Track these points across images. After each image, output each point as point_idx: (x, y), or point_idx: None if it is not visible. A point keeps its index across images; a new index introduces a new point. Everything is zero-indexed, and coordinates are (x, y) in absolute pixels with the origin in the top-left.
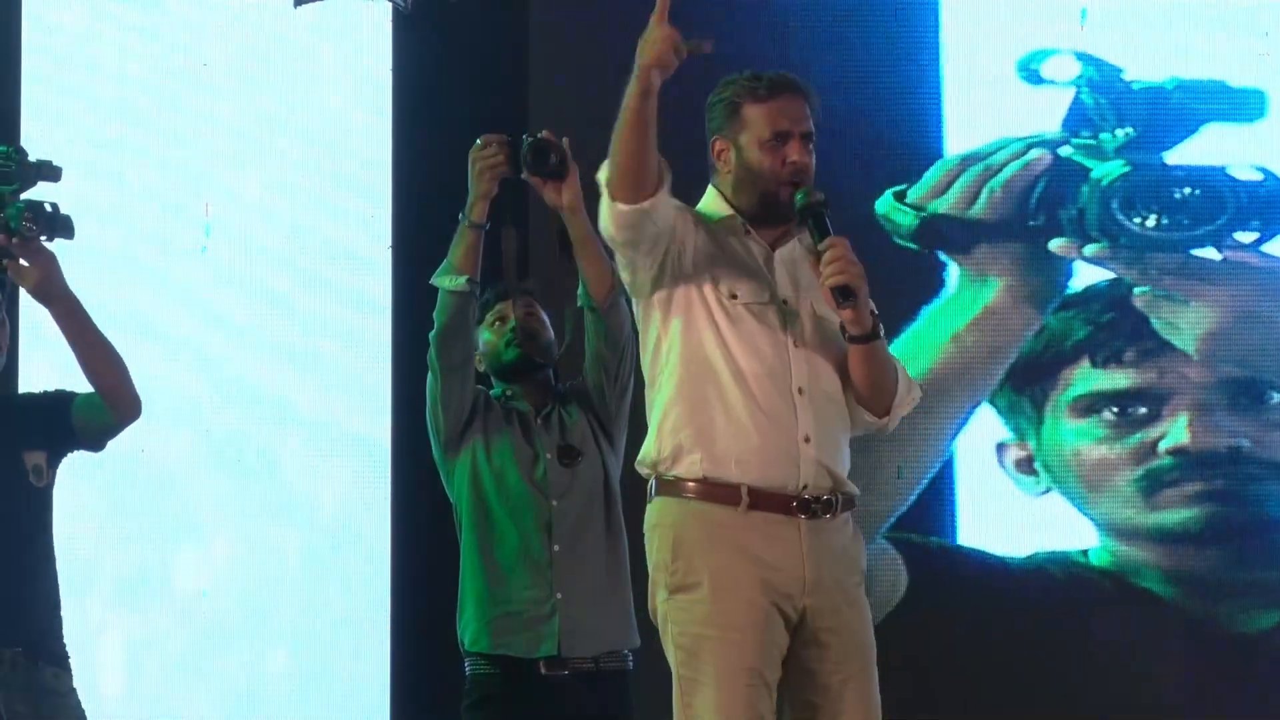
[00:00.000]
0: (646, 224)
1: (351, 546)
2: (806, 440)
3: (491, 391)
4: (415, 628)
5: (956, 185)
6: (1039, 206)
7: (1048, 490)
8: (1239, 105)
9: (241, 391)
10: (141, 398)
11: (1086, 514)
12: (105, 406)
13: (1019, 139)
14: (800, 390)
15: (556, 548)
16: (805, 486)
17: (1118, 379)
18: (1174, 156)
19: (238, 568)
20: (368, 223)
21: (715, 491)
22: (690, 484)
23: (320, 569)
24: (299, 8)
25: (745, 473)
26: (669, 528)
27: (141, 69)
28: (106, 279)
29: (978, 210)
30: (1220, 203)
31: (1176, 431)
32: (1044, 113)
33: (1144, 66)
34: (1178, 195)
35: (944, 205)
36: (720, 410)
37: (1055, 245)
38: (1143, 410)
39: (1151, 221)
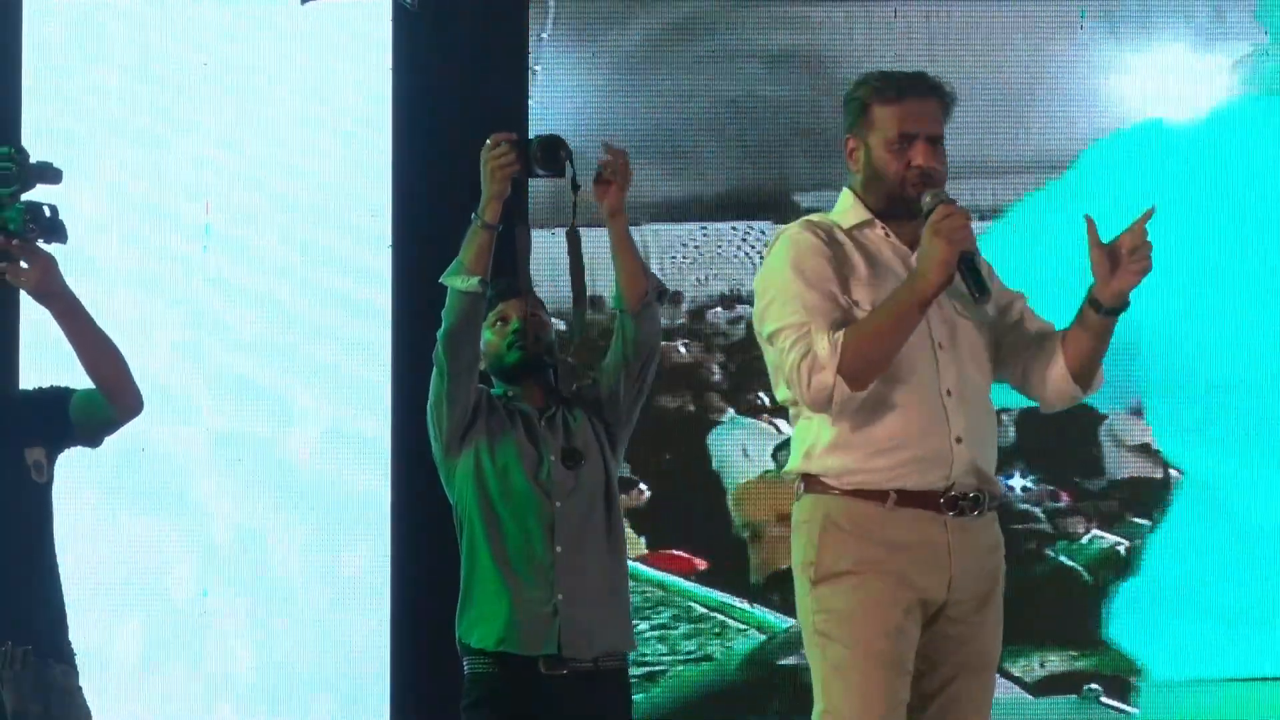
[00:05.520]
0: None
1: (352, 547)
2: (959, 441)
3: (493, 390)
4: (415, 627)
5: None
6: None
7: None
8: None
9: (242, 394)
10: (143, 396)
11: None
12: (107, 403)
13: None
14: (949, 392)
15: (559, 549)
16: (952, 485)
17: None
18: None
19: (238, 568)
20: (368, 223)
21: (863, 490)
22: (838, 481)
23: (320, 569)
24: (305, 5)
25: (895, 479)
26: (815, 523)
27: (142, 67)
28: (105, 279)
29: None
30: None
31: None
32: None
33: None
34: None
35: None
36: (870, 417)
37: None
38: None
39: None
